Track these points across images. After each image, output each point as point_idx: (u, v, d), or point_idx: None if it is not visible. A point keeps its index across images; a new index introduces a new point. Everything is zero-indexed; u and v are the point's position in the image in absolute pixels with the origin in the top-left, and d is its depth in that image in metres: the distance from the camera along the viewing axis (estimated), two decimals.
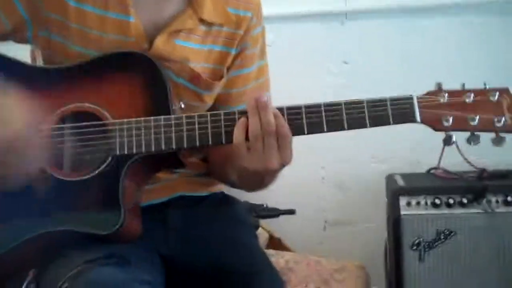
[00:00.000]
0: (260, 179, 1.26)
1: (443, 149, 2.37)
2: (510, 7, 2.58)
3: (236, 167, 1.28)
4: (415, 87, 2.52)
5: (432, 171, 2.43)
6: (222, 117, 1.24)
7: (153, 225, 1.34)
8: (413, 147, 2.63)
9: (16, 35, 1.34)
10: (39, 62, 1.39)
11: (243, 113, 1.23)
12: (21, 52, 1.37)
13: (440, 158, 2.38)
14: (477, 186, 2.21)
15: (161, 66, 1.28)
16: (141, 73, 1.28)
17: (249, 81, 1.48)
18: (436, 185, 2.31)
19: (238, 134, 1.21)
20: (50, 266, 1.22)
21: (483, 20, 2.61)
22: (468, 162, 2.31)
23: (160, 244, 1.37)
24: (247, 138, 1.21)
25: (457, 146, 2.24)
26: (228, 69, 1.44)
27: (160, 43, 1.33)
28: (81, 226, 1.21)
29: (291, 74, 2.67)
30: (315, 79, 2.72)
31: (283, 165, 1.22)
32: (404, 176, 2.42)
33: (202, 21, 1.37)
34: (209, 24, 1.39)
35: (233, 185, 1.45)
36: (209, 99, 1.43)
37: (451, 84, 2.45)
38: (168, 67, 1.32)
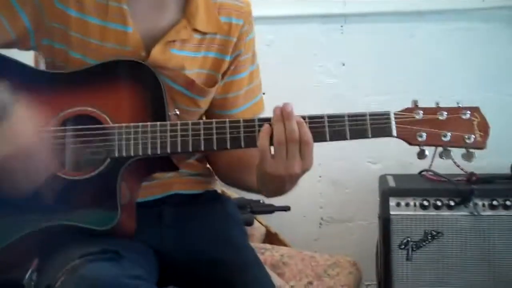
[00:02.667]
0: (282, 184, 1.30)
1: (434, 152, 2.41)
2: (507, 13, 2.65)
3: (258, 172, 1.32)
4: (411, 90, 2.61)
5: (423, 173, 2.48)
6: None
7: (148, 221, 1.40)
8: (408, 148, 2.66)
9: (19, 44, 1.40)
10: (42, 67, 1.45)
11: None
12: (24, 57, 1.42)
13: (431, 161, 2.43)
14: (464, 190, 2.28)
15: (158, 74, 1.34)
16: (139, 80, 1.35)
17: (242, 86, 1.54)
18: (425, 187, 2.37)
19: (263, 140, 1.27)
20: (50, 259, 1.28)
21: (479, 26, 2.67)
22: (458, 165, 2.37)
23: (154, 239, 1.43)
24: (271, 144, 1.27)
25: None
26: (223, 75, 1.50)
27: (156, 52, 1.38)
28: (79, 222, 1.28)
29: (289, 74, 2.74)
30: (313, 80, 2.78)
31: (304, 171, 1.28)
32: (396, 177, 2.48)
33: (196, 31, 1.43)
34: (203, 33, 1.44)
35: (250, 189, 1.50)
36: (203, 104, 1.49)
37: (442, 89, 2.54)
38: (165, 74, 1.38)
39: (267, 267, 1.60)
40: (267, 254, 2.35)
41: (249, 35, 1.52)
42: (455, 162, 2.36)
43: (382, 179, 2.49)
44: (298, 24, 2.78)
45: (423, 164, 2.49)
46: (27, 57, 1.46)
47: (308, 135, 1.26)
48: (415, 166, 2.58)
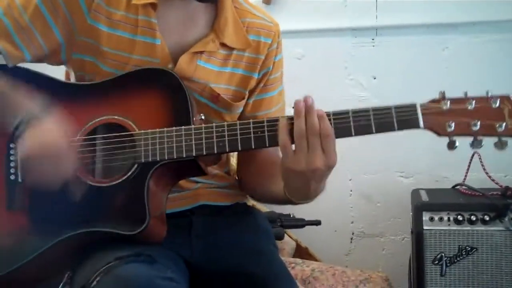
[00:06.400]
0: (306, 181, 1.28)
1: (468, 165, 2.39)
2: None
3: (282, 171, 1.31)
4: None
5: (457, 187, 2.45)
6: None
7: (177, 231, 1.41)
8: (441, 162, 2.65)
9: (51, 58, 1.43)
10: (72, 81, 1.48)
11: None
12: (55, 72, 1.45)
13: (465, 175, 2.41)
14: (499, 204, 2.23)
15: (183, 81, 1.36)
16: (165, 87, 1.37)
17: (273, 104, 1.55)
18: (459, 201, 2.33)
19: (282, 135, 1.27)
20: (82, 263, 1.30)
21: (508, 37, 2.63)
22: (493, 180, 2.33)
23: (184, 249, 1.44)
24: (292, 140, 1.26)
25: (482, 165, 2.29)
26: (251, 92, 1.52)
27: (183, 62, 1.41)
28: (109, 227, 1.29)
29: (320, 88, 2.72)
30: (344, 93, 2.78)
31: (328, 168, 1.26)
32: (429, 191, 2.45)
33: (223, 45, 1.45)
34: (230, 49, 1.47)
35: (277, 200, 1.47)
36: (228, 118, 1.50)
37: None
38: (190, 87, 1.40)
39: (297, 281, 1.59)
40: (297, 268, 2.33)
41: (278, 55, 1.54)
42: (489, 176, 2.34)
43: (415, 193, 2.46)
44: (329, 38, 2.78)
45: (457, 178, 2.48)
46: (59, 72, 1.49)
47: (329, 128, 1.25)
48: (448, 180, 2.57)
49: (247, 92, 1.51)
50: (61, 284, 1.47)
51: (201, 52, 1.43)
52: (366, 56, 2.76)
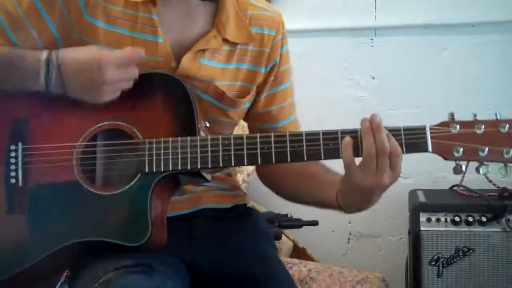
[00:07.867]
0: (370, 195, 1.27)
1: (466, 166, 2.38)
2: None
3: (344, 186, 1.30)
4: (443, 104, 2.58)
5: (454, 188, 2.45)
6: (244, 140, 1.29)
7: (179, 234, 1.40)
8: (438, 163, 2.64)
9: None
10: None
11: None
12: None
13: (462, 176, 2.40)
14: (497, 205, 2.23)
15: (188, 86, 1.33)
16: (169, 93, 1.34)
17: (287, 96, 1.53)
18: (456, 202, 2.33)
19: (347, 154, 1.24)
20: (82, 271, 1.29)
21: (506, 38, 2.64)
22: (490, 181, 2.34)
23: (185, 252, 1.42)
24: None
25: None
26: (261, 87, 1.49)
27: (186, 61, 1.38)
28: (110, 237, 1.27)
29: (319, 88, 2.74)
30: (342, 93, 2.78)
31: (392, 182, 1.25)
32: (426, 192, 2.45)
33: (226, 41, 1.42)
34: (234, 44, 1.44)
35: (322, 205, 1.45)
36: (234, 115, 1.48)
37: (474, 103, 2.50)
38: (195, 85, 1.38)
39: None
40: (294, 269, 2.33)
41: (284, 46, 1.52)
42: (487, 177, 2.34)
43: (412, 194, 2.46)
44: (328, 38, 2.79)
45: (454, 179, 2.47)
46: None
47: (398, 147, 1.23)
48: (446, 180, 2.56)
49: (254, 87, 1.48)
50: (59, 284, 1.46)
51: (204, 50, 1.40)
52: (365, 56, 2.76)
